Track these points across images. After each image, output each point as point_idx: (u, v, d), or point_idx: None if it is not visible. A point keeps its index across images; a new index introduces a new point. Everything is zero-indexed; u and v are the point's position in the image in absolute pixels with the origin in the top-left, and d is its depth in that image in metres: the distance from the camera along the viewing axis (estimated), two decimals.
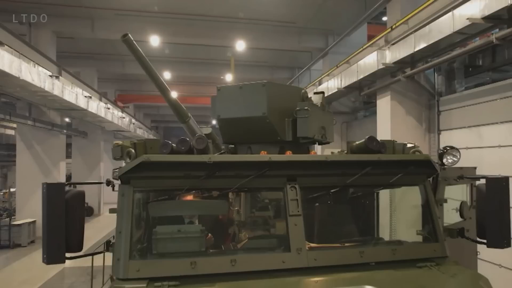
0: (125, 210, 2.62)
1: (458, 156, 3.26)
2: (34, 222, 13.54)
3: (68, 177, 22.28)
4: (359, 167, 2.89)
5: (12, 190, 17.95)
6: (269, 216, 3.52)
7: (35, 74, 9.51)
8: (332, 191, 2.87)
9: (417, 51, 8.50)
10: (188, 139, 2.88)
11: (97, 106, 15.23)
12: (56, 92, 10.79)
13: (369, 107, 14.85)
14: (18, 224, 12.87)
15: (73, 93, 12.31)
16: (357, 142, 3.31)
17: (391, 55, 9.62)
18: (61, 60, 19.50)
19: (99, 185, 21.25)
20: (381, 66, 9.80)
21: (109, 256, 2.86)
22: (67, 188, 2.70)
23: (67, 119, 18.31)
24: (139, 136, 27.33)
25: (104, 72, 22.30)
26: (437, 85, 10.28)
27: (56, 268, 10.41)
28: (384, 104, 10.74)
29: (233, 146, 3.62)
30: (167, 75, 21.56)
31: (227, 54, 20.06)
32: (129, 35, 3.27)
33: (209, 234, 3.17)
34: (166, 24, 15.69)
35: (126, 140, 3.04)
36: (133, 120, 24.89)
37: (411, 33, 9.06)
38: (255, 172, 2.72)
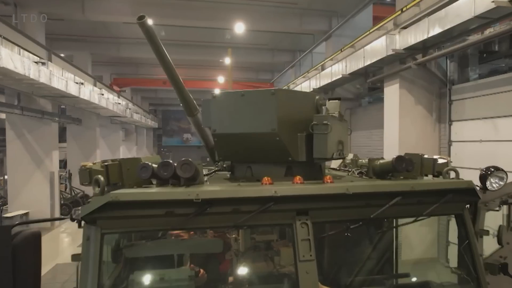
0: (91, 260, 2.08)
1: (505, 179, 2.69)
2: (26, 213, 13.10)
3: (64, 162, 21.78)
4: (387, 198, 2.34)
5: (7, 177, 17.47)
6: (272, 240, 2.99)
7: (18, 61, 8.84)
8: (352, 226, 2.32)
9: (430, 37, 7.81)
10: (171, 161, 2.32)
11: (90, 93, 14.55)
12: (43, 79, 10.12)
13: (374, 93, 14.22)
14: (10, 217, 12.42)
15: (62, 80, 11.64)
16: (381, 161, 2.73)
17: (402, 41, 8.93)
18: (53, 43, 18.74)
19: None
20: (390, 52, 9.13)
21: None
22: (16, 229, 2.14)
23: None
24: (136, 121, 26.71)
25: (99, 56, 21.50)
26: (449, 72, 9.63)
27: (48, 265, 10.04)
28: (392, 92, 10.10)
29: (229, 163, 3.03)
30: None
31: (226, 37, 19.28)
32: (146, 17, 2.74)
33: (201, 270, 2.64)
34: (161, 5, 14.88)
35: (97, 162, 2.47)
36: (130, 105, 24.21)
37: (424, 17, 8.37)
38: (256, 207, 2.17)
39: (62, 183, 19.43)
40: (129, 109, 22.71)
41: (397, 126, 9.85)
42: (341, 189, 2.26)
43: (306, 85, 16.26)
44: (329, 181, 2.45)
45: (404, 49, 8.82)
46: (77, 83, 13.11)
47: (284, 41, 20.27)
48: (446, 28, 7.31)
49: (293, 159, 2.62)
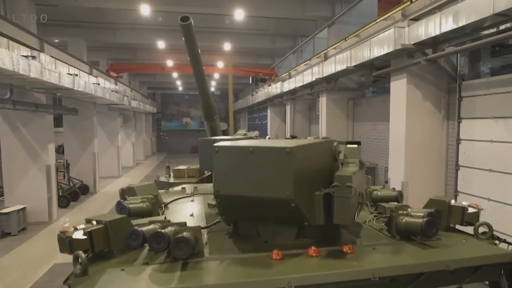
0: None
1: None
2: (23, 209, 12.87)
3: (62, 149, 21.45)
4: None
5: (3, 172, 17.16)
6: None
7: (6, 56, 8.38)
8: None
9: (443, 33, 7.35)
10: (164, 232, 1.98)
11: (85, 83, 14.09)
12: (34, 74, 9.67)
13: (379, 84, 13.77)
14: (7, 213, 12.18)
15: (55, 73, 11.17)
16: (407, 219, 2.36)
17: (411, 35, 8.45)
18: (46, 28, 18.13)
19: (94, 158, 20.49)
20: (398, 47, 8.66)
21: None
22: None
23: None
24: (135, 108, 26.21)
25: (94, 41, 20.88)
26: (459, 67, 9.19)
27: (45, 265, 9.85)
28: (399, 88, 9.69)
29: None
30: (161, 44, 20.18)
31: (226, 22, 18.66)
32: (191, 19, 2.74)
33: None
34: None
35: (80, 227, 2.12)
36: (128, 91, 23.72)
37: (435, 10, 7.89)
38: None
39: (60, 171, 19.17)
40: (127, 96, 22.22)
41: (404, 123, 9.49)
42: (365, 274, 1.93)
43: (308, 72, 15.76)
44: (349, 251, 2.13)
45: (414, 44, 8.35)
46: (71, 74, 12.64)
47: (285, 27, 19.66)
48: (460, 25, 6.84)
49: (310, 223, 2.27)
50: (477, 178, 8.56)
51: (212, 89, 44.48)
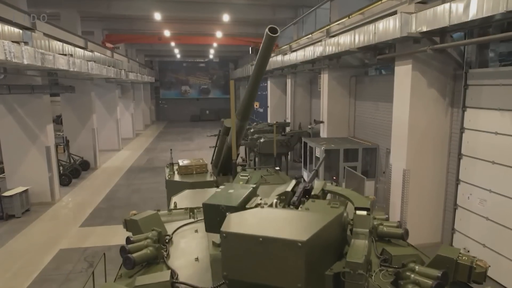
0: None
1: None
2: (26, 190, 12.96)
3: (60, 119, 21.27)
4: None
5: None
6: None
7: None
8: None
9: (452, 25, 7.04)
10: None
11: (81, 62, 13.72)
12: (28, 60, 9.36)
13: (382, 62, 13.41)
14: (9, 196, 12.27)
15: (49, 56, 10.83)
16: (414, 275, 2.33)
17: (418, 22, 8.10)
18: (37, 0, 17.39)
19: (93, 134, 20.38)
20: (404, 34, 8.33)
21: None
22: None
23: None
24: (132, 79, 25.75)
25: (88, 12, 20.12)
26: (466, 54, 8.90)
27: (51, 251, 10.03)
28: (404, 74, 9.44)
29: None
30: (157, 16, 19.48)
31: None
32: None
33: None
34: None
35: None
36: (125, 63, 23.21)
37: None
38: None
39: (60, 144, 19.15)
40: (124, 69, 21.76)
41: (408, 110, 9.33)
42: None
43: (310, 48, 15.32)
44: None
45: (421, 33, 8.03)
46: (65, 55, 12.28)
47: None
48: (470, 18, 6.53)
49: None
50: (479, 169, 8.54)
51: (211, 56, 43.57)
